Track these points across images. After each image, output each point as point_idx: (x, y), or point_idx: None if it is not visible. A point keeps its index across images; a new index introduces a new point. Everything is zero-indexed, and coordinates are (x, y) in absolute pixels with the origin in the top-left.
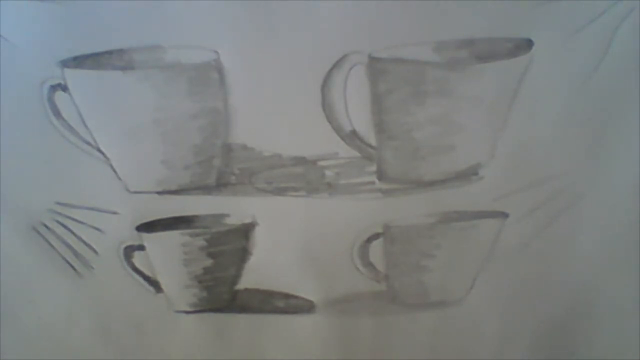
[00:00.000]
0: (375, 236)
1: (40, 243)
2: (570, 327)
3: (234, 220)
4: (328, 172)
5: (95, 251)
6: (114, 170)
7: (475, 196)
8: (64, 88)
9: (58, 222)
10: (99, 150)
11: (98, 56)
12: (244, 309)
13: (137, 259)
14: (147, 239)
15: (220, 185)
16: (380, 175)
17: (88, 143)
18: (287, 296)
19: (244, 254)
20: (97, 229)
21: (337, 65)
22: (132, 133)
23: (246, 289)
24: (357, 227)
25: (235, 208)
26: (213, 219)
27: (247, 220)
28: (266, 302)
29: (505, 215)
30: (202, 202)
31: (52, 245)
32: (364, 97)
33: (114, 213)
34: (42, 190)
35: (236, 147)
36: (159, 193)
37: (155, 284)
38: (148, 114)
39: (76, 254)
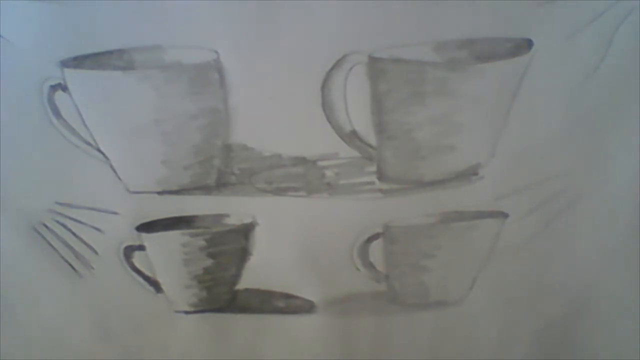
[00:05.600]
0: (375, 236)
1: (40, 243)
2: (570, 327)
3: (234, 220)
4: (328, 172)
5: (95, 251)
6: (114, 170)
7: (475, 196)
8: (64, 88)
9: (58, 222)
10: (99, 150)
11: (98, 56)
12: (244, 309)
13: (137, 259)
14: (147, 239)
15: (220, 185)
16: (380, 175)
17: (88, 143)
18: (287, 296)
19: (244, 254)
20: (97, 229)
21: (337, 65)
22: (132, 133)
23: (246, 289)
24: (357, 227)
25: (235, 208)
26: (213, 219)
27: (247, 220)
28: (266, 302)
29: (505, 215)
30: (202, 202)
31: (52, 245)
32: (364, 97)
33: (114, 213)
34: (42, 190)
35: (236, 147)
36: (159, 193)
37: (155, 284)
38: (148, 114)
39: (76, 254)
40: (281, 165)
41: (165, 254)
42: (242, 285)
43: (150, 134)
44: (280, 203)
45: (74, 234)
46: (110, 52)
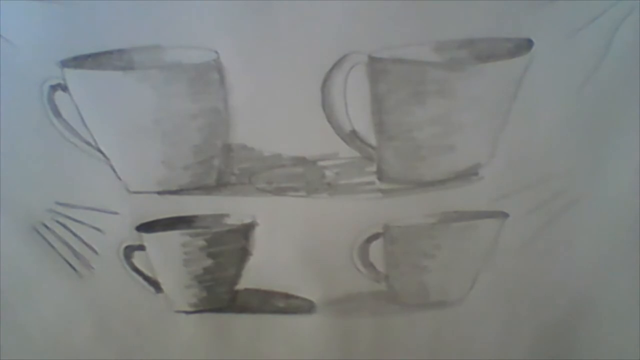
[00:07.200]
0: (375, 236)
1: (40, 243)
2: (570, 327)
3: (234, 220)
4: (328, 172)
5: (95, 251)
6: (114, 170)
7: (475, 196)
8: (64, 88)
9: (58, 222)
10: (99, 150)
11: (98, 56)
12: (244, 309)
13: (137, 259)
14: (147, 239)
15: (220, 185)
16: (380, 175)
17: (88, 143)
18: (287, 296)
19: (244, 254)
20: (97, 229)
21: (337, 65)
22: (132, 133)
23: (246, 289)
24: (357, 227)
25: (235, 208)
26: (213, 219)
27: (247, 220)
28: (266, 302)
29: (505, 215)
30: (202, 202)
31: (52, 245)
32: (364, 97)
33: (114, 213)
34: (42, 190)
35: (236, 147)
36: (159, 193)
37: (155, 284)
38: (148, 114)
39: (76, 254)
40: (281, 165)
41: (165, 254)
42: (242, 285)
43: (150, 134)
44: (280, 203)
45: (74, 234)
46: (110, 52)
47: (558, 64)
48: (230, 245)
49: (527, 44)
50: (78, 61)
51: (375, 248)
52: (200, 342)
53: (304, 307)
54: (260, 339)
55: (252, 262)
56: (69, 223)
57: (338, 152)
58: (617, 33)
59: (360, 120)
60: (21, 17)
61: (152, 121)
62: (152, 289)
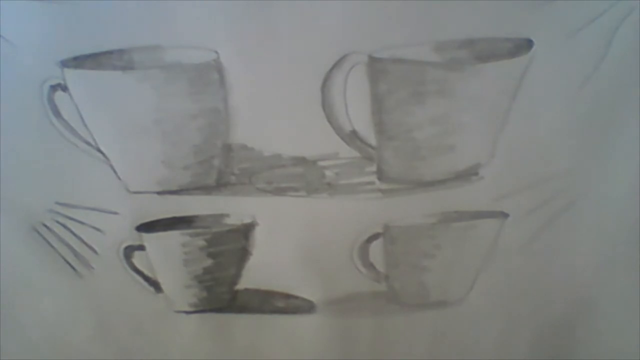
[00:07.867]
0: (375, 236)
1: (40, 243)
2: (570, 327)
3: (234, 220)
4: (328, 172)
5: (95, 251)
6: (114, 170)
7: (475, 196)
8: (64, 88)
9: (58, 222)
10: (99, 150)
11: (98, 56)
12: (244, 309)
13: (137, 259)
14: (147, 239)
15: (220, 185)
16: (380, 175)
17: (88, 143)
18: (287, 296)
19: (244, 254)
20: (97, 229)
21: (337, 65)
22: (132, 133)
23: (246, 289)
24: (357, 227)
25: (235, 208)
26: (213, 219)
27: (247, 220)
28: (266, 302)
29: (505, 215)
30: (202, 202)
31: (52, 245)
32: (364, 97)
33: (114, 213)
34: (42, 190)
35: (236, 147)
36: (159, 193)
37: (155, 284)
38: (148, 114)
39: (76, 254)
40: (281, 165)
41: (165, 254)
42: (242, 285)
43: (150, 134)
44: (280, 203)
45: (74, 234)
46: (110, 52)
47: (558, 64)
48: (230, 245)
49: (527, 44)
50: (78, 61)
51: (375, 248)
52: (200, 342)
53: (304, 307)
54: (260, 339)
55: (252, 262)
56: (69, 223)
57: (338, 152)
58: (617, 33)
59: (360, 120)
60: (21, 17)
61: (152, 121)
62: (152, 289)
